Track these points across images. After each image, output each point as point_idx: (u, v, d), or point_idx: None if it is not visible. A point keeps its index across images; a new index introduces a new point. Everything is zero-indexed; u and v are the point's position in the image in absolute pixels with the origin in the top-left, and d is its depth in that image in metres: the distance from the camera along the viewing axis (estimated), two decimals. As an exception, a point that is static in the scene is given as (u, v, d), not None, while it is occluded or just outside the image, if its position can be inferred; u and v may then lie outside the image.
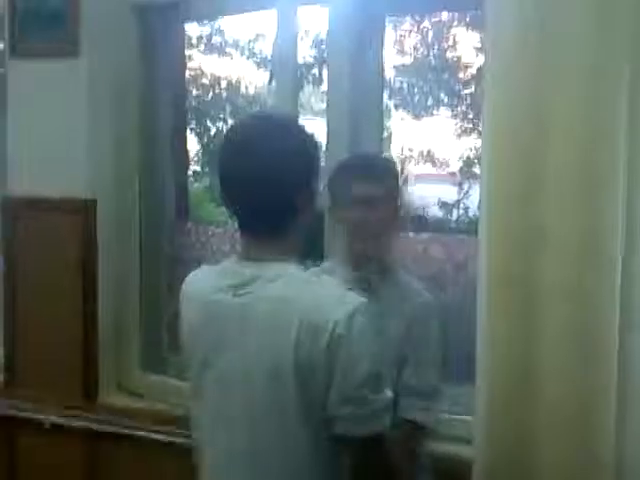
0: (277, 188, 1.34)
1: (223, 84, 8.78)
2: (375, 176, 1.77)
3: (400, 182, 1.91)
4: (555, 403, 1.72)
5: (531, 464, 1.76)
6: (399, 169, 1.93)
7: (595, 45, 1.65)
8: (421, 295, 1.84)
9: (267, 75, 8.05)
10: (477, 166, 7.53)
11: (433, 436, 1.85)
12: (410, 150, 9.07)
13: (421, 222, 7.15)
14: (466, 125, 8.84)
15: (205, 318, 1.41)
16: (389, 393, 1.34)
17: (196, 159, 8.25)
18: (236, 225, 1.43)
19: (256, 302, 1.34)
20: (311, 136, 1.45)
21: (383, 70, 2.38)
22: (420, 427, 1.75)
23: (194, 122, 8.00)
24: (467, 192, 7.79)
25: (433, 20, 8.49)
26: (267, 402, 1.32)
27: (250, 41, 8.74)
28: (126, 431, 2.53)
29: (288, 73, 2.42)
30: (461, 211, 7.95)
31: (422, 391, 1.74)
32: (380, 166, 1.86)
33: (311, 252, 2.31)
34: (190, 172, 7.11)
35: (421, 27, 8.70)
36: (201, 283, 1.46)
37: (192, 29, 7.80)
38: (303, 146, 1.40)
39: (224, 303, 1.37)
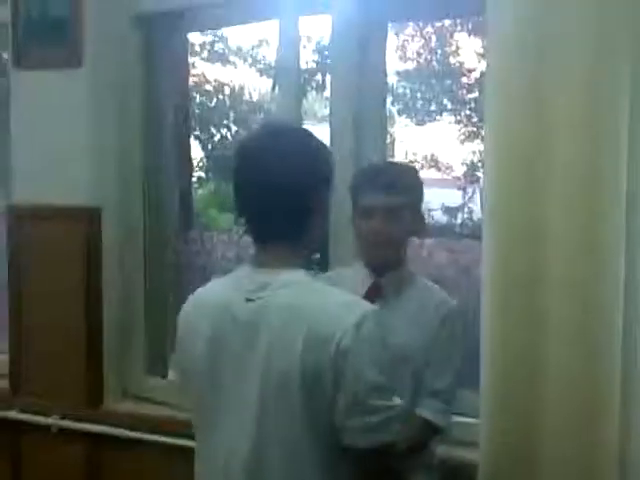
0: (290, 198, 1.36)
1: (227, 91, 8.80)
2: (395, 185, 1.78)
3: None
4: (560, 404, 1.72)
5: (536, 466, 1.76)
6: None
7: (595, 46, 1.66)
8: (447, 301, 1.85)
9: (270, 82, 8.07)
10: (481, 170, 7.53)
11: (446, 438, 1.87)
12: (414, 155, 9.08)
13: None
14: (469, 130, 8.84)
15: (217, 325, 1.40)
16: (398, 401, 1.34)
17: (200, 165, 8.28)
18: (242, 231, 1.44)
19: (266, 309, 1.34)
20: (324, 146, 1.47)
21: (386, 76, 2.39)
22: (434, 428, 1.77)
23: (198, 129, 8.02)
24: (472, 196, 7.80)
25: (435, 26, 8.51)
26: (274, 409, 1.33)
27: (253, 48, 8.77)
28: (131, 436, 2.53)
29: (291, 79, 2.43)
30: (466, 215, 7.95)
31: (441, 394, 1.77)
32: (400, 175, 1.86)
33: (317, 260, 2.33)
34: (194, 178, 7.13)
35: (423, 33, 8.72)
36: (213, 294, 1.47)
37: (195, 37, 7.83)
38: (316, 156, 1.41)
39: (237, 309, 1.38)
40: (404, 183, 1.81)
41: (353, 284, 1.76)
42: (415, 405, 1.74)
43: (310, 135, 1.47)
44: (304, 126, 2.30)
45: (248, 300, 1.37)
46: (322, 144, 1.46)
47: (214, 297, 1.46)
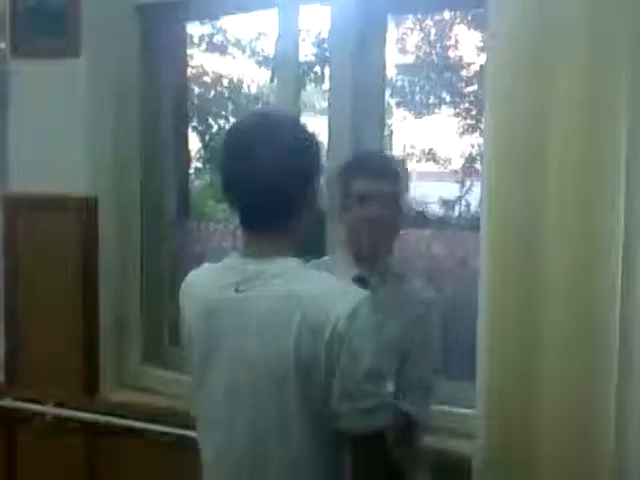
0: (279, 186, 1.35)
1: (225, 82, 8.77)
2: (389, 173, 1.79)
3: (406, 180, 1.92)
4: (555, 397, 1.73)
5: (531, 459, 1.77)
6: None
7: (596, 40, 1.66)
8: (425, 292, 1.87)
9: (269, 74, 8.04)
10: (479, 163, 7.53)
11: (427, 430, 1.87)
12: (412, 148, 9.06)
13: (422, 220, 7.15)
14: (468, 123, 8.82)
15: (207, 315, 1.41)
16: (390, 388, 1.35)
17: (198, 156, 8.25)
18: (237, 222, 1.44)
19: (258, 298, 1.35)
20: (312, 134, 1.45)
21: (385, 68, 2.39)
22: (412, 420, 1.76)
23: (196, 120, 7.99)
24: (469, 189, 7.79)
25: (435, 19, 8.49)
26: (268, 398, 1.33)
27: (252, 40, 8.73)
28: (127, 425, 2.54)
29: (290, 71, 2.43)
30: (463, 208, 7.94)
31: (418, 385, 1.77)
32: (392, 163, 1.87)
33: (313, 249, 2.33)
34: (192, 169, 7.11)
35: (423, 25, 8.69)
36: (203, 281, 1.47)
37: (194, 28, 7.79)
38: (304, 144, 1.40)
39: (226, 300, 1.38)
40: (396, 170, 1.81)
41: (339, 273, 1.75)
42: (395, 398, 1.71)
43: (299, 123, 1.48)
44: (302, 118, 2.31)
45: (238, 291, 1.37)
46: (311, 133, 1.44)
47: (202, 287, 1.46)
